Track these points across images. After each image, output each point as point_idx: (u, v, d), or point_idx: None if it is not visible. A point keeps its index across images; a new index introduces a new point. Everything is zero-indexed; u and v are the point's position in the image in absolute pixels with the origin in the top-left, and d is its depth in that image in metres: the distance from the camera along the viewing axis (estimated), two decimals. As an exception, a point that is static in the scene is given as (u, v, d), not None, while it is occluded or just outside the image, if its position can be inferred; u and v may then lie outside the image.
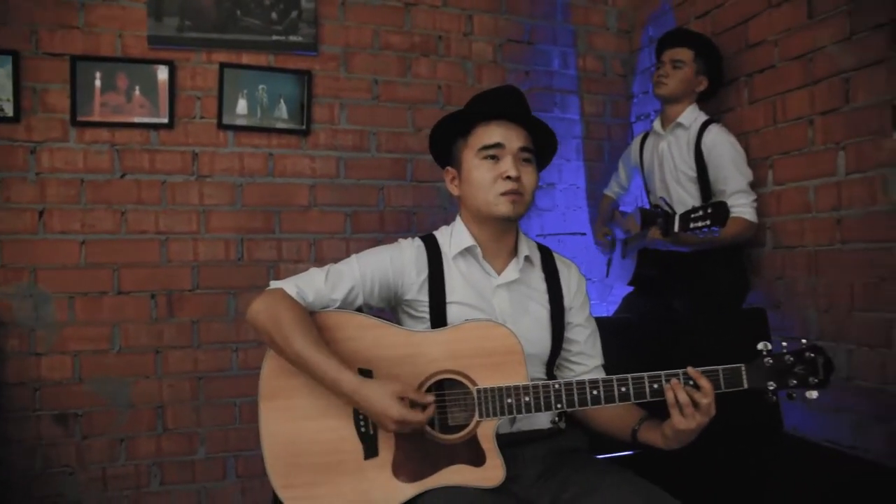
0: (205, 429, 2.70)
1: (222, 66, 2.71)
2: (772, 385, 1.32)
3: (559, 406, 1.36)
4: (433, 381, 1.41)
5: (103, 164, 2.60)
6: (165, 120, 2.65)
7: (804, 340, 1.34)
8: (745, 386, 1.32)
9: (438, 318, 1.50)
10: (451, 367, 1.40)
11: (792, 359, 1.32)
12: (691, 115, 2.58)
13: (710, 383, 1.32)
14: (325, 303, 1.47)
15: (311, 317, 1.43)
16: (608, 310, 3.29)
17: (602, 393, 1.35)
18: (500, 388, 1.37)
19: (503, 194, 1.48)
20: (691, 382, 1.33)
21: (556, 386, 1.36)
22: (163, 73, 2.64)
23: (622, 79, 3.46)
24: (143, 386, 2.63)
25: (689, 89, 2.59)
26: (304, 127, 2.83)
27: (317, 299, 1.46)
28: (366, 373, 1.39)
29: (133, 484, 2.60)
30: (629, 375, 1.35)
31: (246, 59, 2.77)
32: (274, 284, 1.47)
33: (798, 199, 2.40)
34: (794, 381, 1.32)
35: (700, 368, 1.33)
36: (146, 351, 2.64)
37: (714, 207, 2.17)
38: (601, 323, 1.73)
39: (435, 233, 1.63)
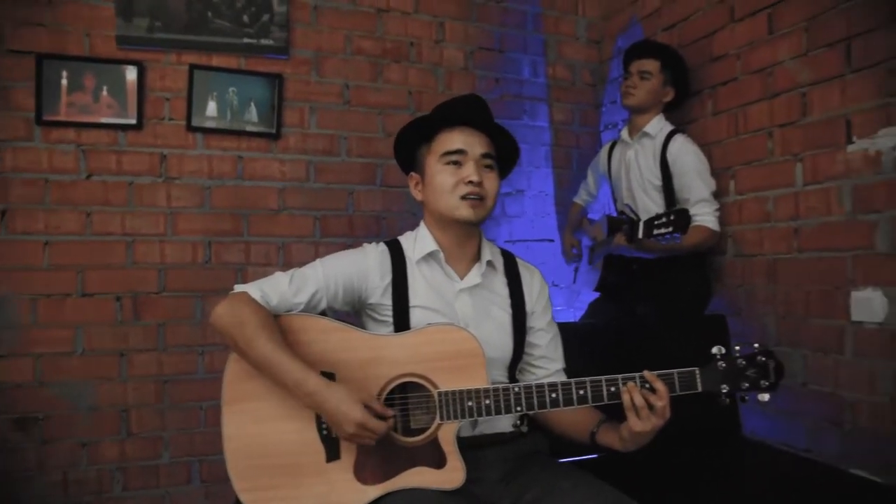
0: (169, 433, 2.66)
1: (192, 67, 2.69)
2: (725, 388, 1.36)
3: (518, 409, 1.39)
4: (395, 384, 1.42)
5: (69, 165, 2.56)
6: (133, 121, 2.62)
7: (756, 345, 1.38)
8: (699, 389, 1.36)
9: (401, 321, 1.52)
10: (413, 371, 1.42)
11: (744, 362, 1.36)
12: (658, 125, 2.63)
13: (665, 386, 1.35)
14: (288, 306, 1.48)
15: (275, 320, 1.43)
16: (575, 315, 3.33)
17: (560, 396, 1.38)
18: (460, 392, 1.39)
19: (464, 197, 1.50)
20: (647, 386, 1.36)
21: (516, 389, 1.39)
22: (131, 74, 2.61)
23: (591, 88, 3.51)
24: (107, 389, 2.58)
25: (656, 100, 2.64)
26: (274, 130, 2.82)
27: (281, 303, 1.46)
28: (329, 376, 1.39)
29: (95, 489, 2.55)
30: (587, 379, 1.38)
31: (216, 61, 2.75)
32: (238, 288, 1.47)
33: (758, 209, 2.46)
34: (746, 384, 1.35)
35: (655, 372, 1.37)
36: (110, 354, 2.60)
37: (676, 214, 2.22)
38: (567, 329, 1.75)
39: (399, 238, 1.64)
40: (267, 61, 2.83)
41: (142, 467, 2.62)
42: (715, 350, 1.37)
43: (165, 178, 2.69)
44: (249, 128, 2.79)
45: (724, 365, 1.36)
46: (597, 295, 2.88)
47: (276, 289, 1.47)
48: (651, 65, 2.62)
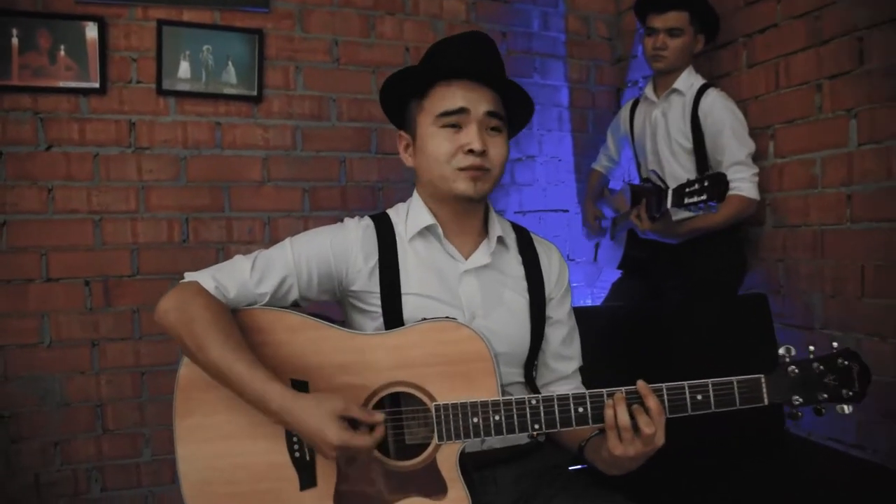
0: (150, 428, 2.47)
1: (160, 23, 2.44)
2: (797, 400, 1.07)
3: (537, 427, 1.11)
4: (382, 395, 1.16)
5: (25, 135, 2.32)
6: (96, 84, 2.38)
7: (835, 344, 1.10)
8: (766, 402, 1.07)
9: (393, 312, 1.25)
10: (403, 378, 1.16)
11: (822, 367, 1.08)
12: (688, 80, 2.36)
13: (658, 406, 1.07)
14: (250, 298, 1.22)
15: (234, 316, 1.18)
16: (596, 296, 3.09)
17: (590, 411, 1.10)
18: (463, 405, 1.12)
19: (463, 169, 1.23)
20: (638, 401, 1.08)
21: (533, 402, 1.11)
22: (92, 31, 2.36)
23: (607, 42, 3.24)
24: (79, 383, 2.39)
25: (688, 56, 2.37)
26: (255, 93, 2.58)
27: (240, 294, 1.20)
28: (300, 385, 1.15)
29: (70, 490, 2.38)
30: (623, 389, 1.09)
31: (187, 15, 2.50)
32: (189, 276, 1.23)
33: (802, 173, 2.22)
34: (825, 395, 1.07)
35: (714, 380, 1.08)
36: (81, 344, 2.40)
37: (711, 180, 2.00)
38: (587, 313, 1.50)
39: (388, 211, 1.37)
40: (245, 15, 2.57)
41: (121, 466, 2.45)
42: (783, 351, 1.08)
43: (135, 149, 2.46)
44: (227, 90, 2.56)
45: (796, 371, 1.08)
46: (619, 274, 2.62)
47: (235, 277, 1.21)
48: (679, 19, 2.30)
